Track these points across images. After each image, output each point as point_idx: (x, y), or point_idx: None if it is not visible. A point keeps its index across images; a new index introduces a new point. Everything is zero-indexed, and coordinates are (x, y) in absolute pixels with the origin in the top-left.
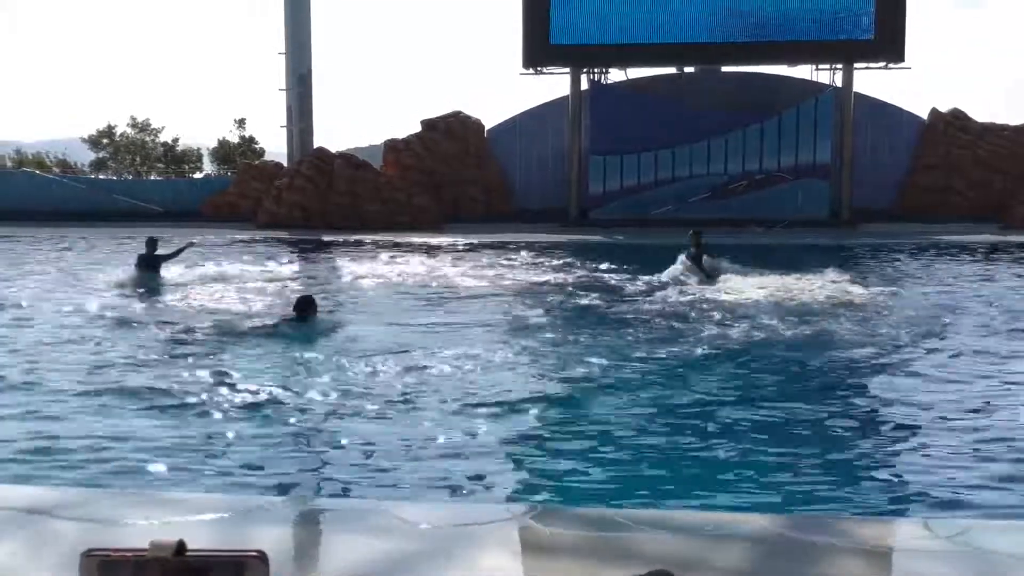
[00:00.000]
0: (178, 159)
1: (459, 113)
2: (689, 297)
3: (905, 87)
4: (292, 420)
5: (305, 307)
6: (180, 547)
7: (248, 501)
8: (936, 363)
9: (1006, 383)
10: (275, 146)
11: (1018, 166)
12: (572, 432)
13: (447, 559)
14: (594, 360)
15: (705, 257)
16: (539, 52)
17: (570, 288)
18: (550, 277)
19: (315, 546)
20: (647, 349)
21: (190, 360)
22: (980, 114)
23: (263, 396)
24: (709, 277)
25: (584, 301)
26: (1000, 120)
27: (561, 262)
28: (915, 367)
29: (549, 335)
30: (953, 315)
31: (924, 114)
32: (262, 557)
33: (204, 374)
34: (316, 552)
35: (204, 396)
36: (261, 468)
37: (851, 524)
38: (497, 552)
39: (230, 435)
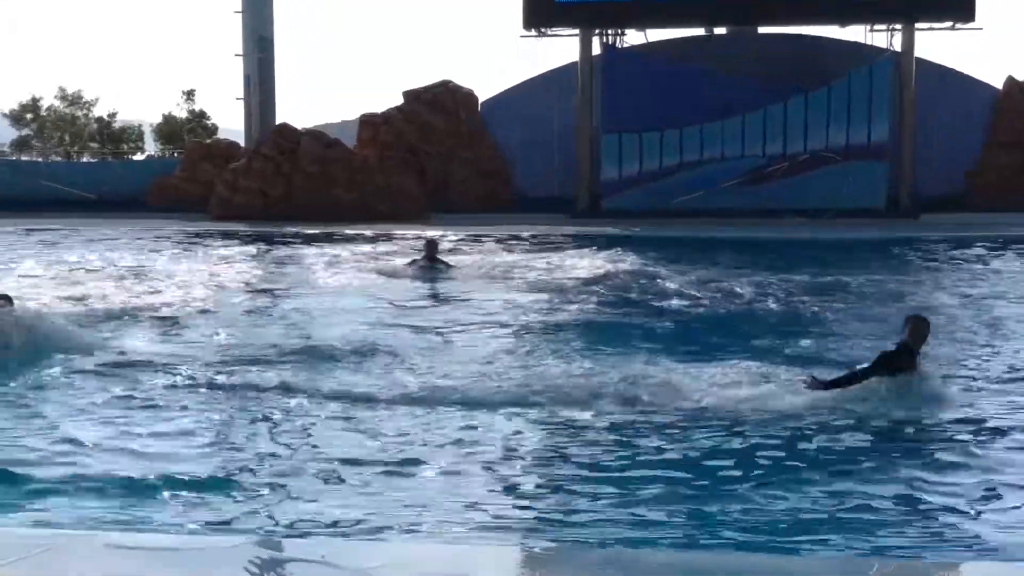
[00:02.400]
0: (116, 137)
1: (448, 83)
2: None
3: (977, 52)
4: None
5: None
6: None
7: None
8: None
9: None
10: (230, 122)
11: None
12: None
13: None
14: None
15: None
16: (543, 10)
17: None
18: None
19: None
20: None
21: None
22: None
23: None
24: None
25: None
26: None
27: (569, 261)
28: None
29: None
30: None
31: (999, 83)
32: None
33: None
34: None
35: None
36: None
37: None
38: None
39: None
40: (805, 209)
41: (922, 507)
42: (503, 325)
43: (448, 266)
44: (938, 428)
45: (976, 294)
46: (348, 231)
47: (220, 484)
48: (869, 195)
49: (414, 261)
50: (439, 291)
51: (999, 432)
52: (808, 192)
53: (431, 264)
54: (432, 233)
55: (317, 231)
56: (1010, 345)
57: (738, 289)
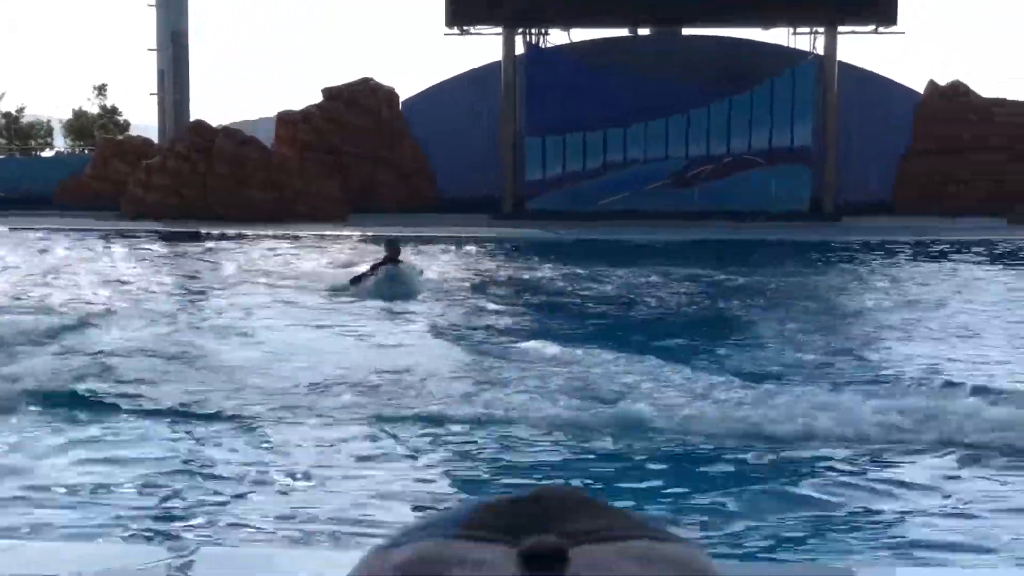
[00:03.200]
0: (23, 134)
1: (369, 80)
2: None
3: (898, 56)
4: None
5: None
6: None
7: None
8: None
9: None
10: (143, 119)
11: None
12: None
13: None
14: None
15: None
16: (466, 8)
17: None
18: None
19: None
20: None
21: None
22: (987, 88)
23: None
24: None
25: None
26: (1008, 96)
27: (488, 264)
28: None
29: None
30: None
31: (921, 87)
32: None
33: None
34: None
35: None
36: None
37: None
38: None
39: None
40: (734, 212)
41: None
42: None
43: (417, 269)
44: None
45: (888, 296)
46: (266, 232)
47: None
48: (793, 198)
49: (375, 266)
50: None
51: None
52: (733, 195)
53: (396, 265)
54: (392, 234)
55: (233, 231)
56: (904, 348)
57: (654, 289)
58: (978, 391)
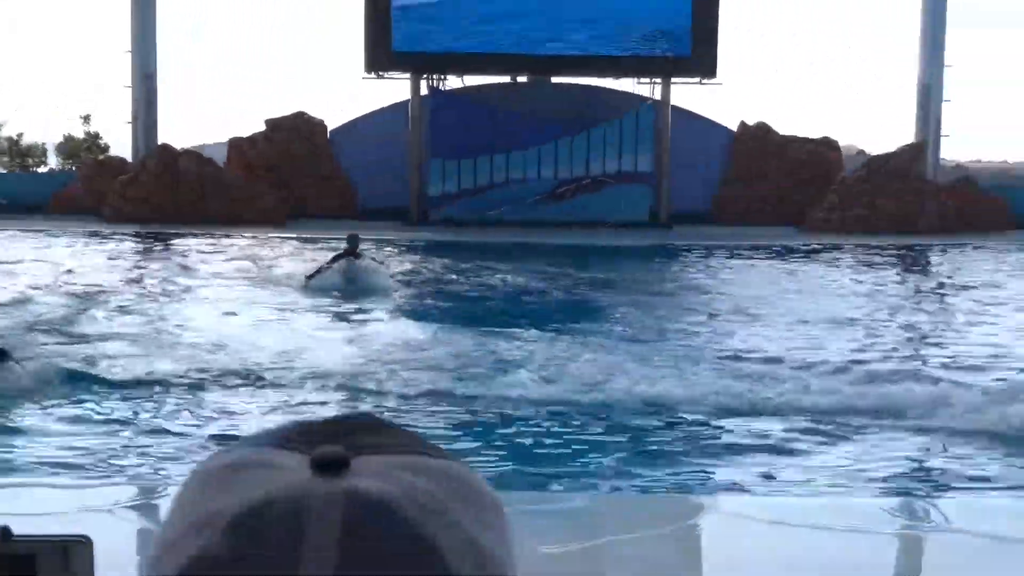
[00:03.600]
0: (23, 154)
1: (303, 114)
2: None
3: (718, 102)
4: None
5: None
6: (4, 533)
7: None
8: None
9: None
10: (121, 142)
11: (816, 177)
12: None
13: None
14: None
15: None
16: (380, 58)
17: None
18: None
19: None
20: None
21: None
22: (784, 128)
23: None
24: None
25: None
26: (801, 133)
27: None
28: None
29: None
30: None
31: (735, 126)
32: (86, 541)
33: None
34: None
35: None
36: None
37: None
38: None
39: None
40: (593, 221)
41: None
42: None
43: (377, 261)
44: None
45: (711, 288)
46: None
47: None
48: (637, 211)
49: (335, 258)
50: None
51: None
52: (592, 208)
53: (355, 259)
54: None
55: (199, 231)
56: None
57: (527, 282)
58: (774, 360)
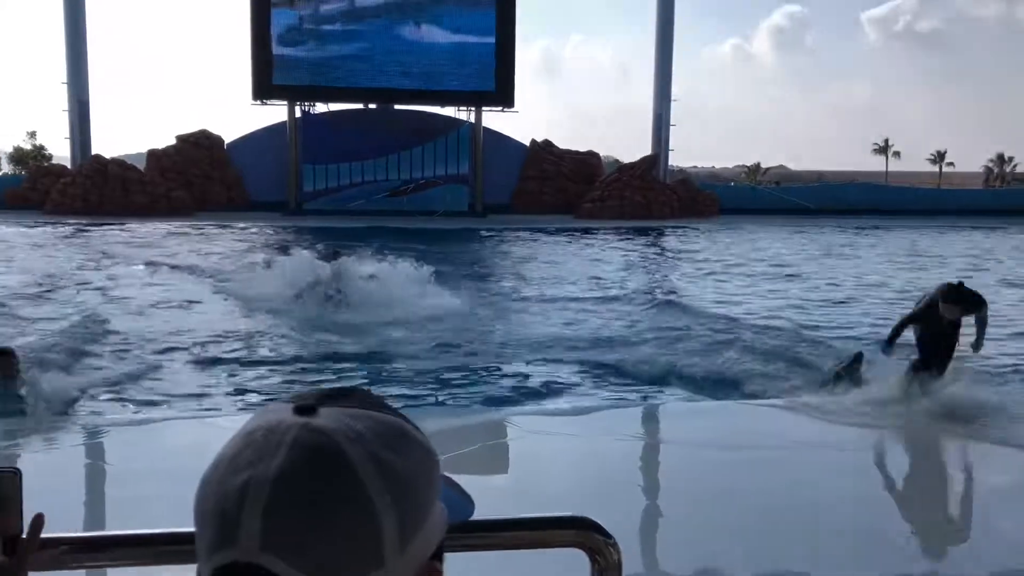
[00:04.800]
0: None
1: (205, 130)
2: None
3: (515, 124)
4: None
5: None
6: None
7: None
8: None
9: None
10: (61, 151)
11: (584, 178)
12: None
13: None
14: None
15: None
16: (263, 89)
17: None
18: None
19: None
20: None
21: None
22: (562, 142)
23: None
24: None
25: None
26: (574, 147)
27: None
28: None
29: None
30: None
31: (527, 142)
32: (16, 472)
33: None
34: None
35: None
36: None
37: None
38: None
39: None
40: (427, 212)
41: None
42: None
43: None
44: None
45: (520, 258)
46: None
47: None
48: (459, 204)
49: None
50: None
51: None
52: (427, 201)
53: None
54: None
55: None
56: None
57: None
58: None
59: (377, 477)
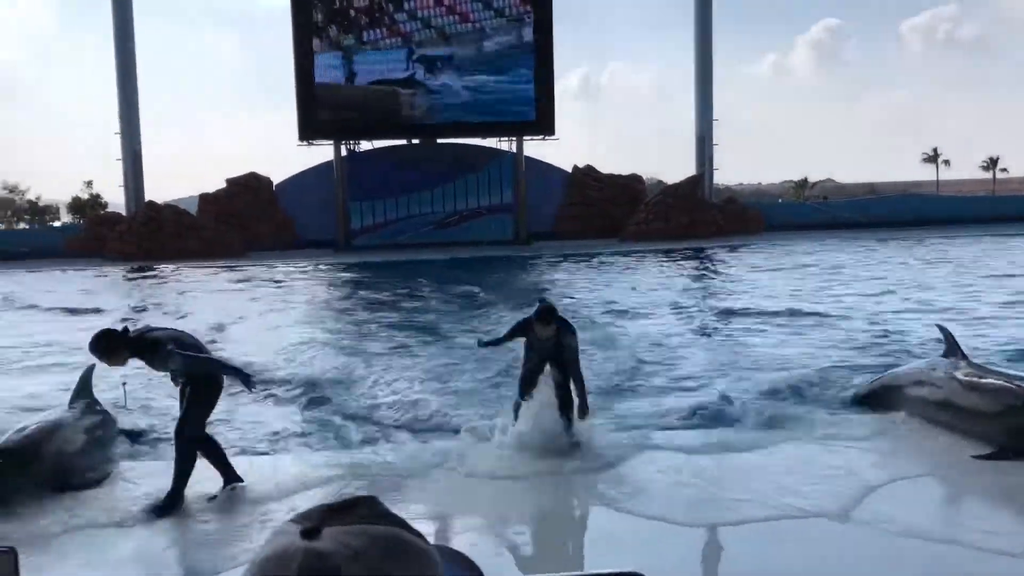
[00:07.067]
0: (40, 212)
1: (254, 172)
2: None
3: (556, 151)
4: None
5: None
6: None
7: None
8: None
9: None
10: (116, 200)
11: (627, 201)
12: None
13: None
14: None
15: None
16: (309, 130)
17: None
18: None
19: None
20: None
21: None
22: (604, 167)
23: None
24: None
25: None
26: (617, 171)
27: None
28: None
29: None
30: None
31: (570, 168)
32: (9, 551)
33: None
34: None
35: None
36: None
37: None
38: None
39: None
40: (475, 241)
41: None
42: None
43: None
44: None
45: (561, 279)
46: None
47: None
48: (504, 232)
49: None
50: None
51: None
52: (473, 232)
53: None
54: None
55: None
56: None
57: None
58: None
59: None
